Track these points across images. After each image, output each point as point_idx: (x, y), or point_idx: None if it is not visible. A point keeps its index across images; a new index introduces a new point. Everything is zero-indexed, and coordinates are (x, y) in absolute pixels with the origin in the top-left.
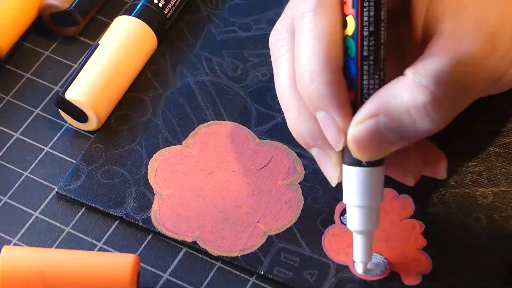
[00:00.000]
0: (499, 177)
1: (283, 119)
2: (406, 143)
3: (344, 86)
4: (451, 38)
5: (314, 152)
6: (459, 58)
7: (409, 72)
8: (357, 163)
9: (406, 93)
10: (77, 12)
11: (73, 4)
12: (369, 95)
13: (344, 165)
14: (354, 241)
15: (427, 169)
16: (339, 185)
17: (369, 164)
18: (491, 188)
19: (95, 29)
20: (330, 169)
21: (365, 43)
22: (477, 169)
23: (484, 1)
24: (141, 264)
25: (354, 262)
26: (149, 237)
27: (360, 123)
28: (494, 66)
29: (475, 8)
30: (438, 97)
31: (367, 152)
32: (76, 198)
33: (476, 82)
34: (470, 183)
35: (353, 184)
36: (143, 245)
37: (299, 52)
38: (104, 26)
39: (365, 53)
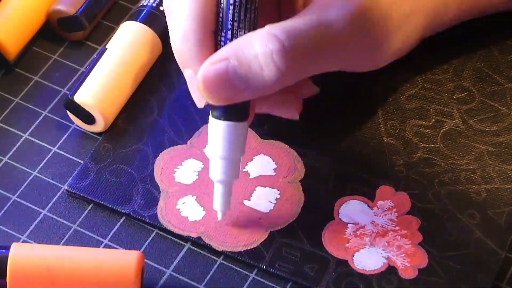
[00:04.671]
0: (492, 174)
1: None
2: (255, 94)
3: (213, 49)
4: (319, 5)
5: (187, 73)
6: (319, 23)
7: (267, 25)
8: (221, 116)
9: (258, 41)
10: (84, 17)
11: (80, 10)
12: None
13: (210, 117)
14: (215, 191)
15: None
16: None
17: (233, 118)
18: (484, 186)
19: (101, 33)
20: (199, 94)
21: (236, 8)
22: (471, 167)
23: None
24: (145, 260)
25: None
26: (153, 234)
27: (212, 64)
28: (358, 40)
29: None
30: (286, 47)
31: (215, 95)
32: (85, 196)
33: (330, 48)
34: (464, 181)
35: (217, 136)
36: (147, 242)
37: (176, 12)
38: (110, 31)
39: (235, 18)
